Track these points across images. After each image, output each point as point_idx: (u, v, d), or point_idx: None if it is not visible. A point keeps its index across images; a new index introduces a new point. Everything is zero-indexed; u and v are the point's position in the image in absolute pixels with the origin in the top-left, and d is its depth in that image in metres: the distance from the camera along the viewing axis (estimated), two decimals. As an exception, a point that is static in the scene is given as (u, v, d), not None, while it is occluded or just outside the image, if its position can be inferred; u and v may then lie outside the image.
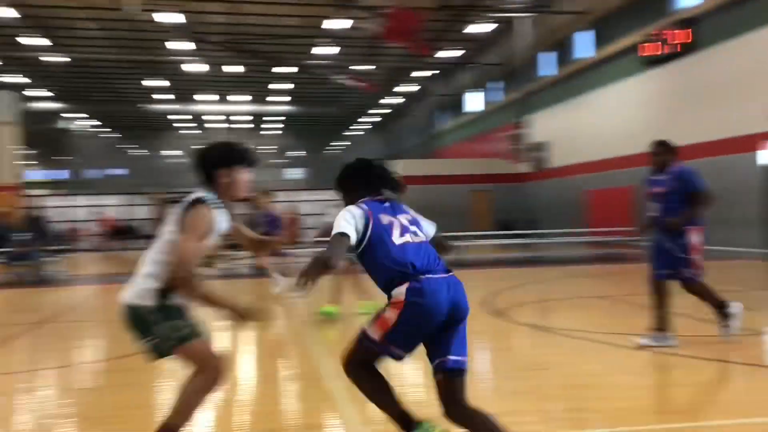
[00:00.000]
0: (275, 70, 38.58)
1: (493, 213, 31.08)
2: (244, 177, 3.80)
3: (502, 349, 7.24)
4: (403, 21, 16.93)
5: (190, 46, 31.82)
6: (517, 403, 5.18)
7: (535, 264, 17.52)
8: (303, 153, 66.41)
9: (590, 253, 19.74)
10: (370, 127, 62.37)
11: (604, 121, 24.36)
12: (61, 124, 49.01)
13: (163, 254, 3.60)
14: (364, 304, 8.92)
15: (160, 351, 3.64)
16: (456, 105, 41.77)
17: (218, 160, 3.76)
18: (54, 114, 46.86)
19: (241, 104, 47.32)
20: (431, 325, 3.41)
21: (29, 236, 15.70)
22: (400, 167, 31.83)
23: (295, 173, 66.97)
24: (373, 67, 34.27)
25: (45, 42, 31.30)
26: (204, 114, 52.58)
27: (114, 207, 31.30)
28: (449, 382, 3.48)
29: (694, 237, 6.55)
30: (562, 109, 27.57)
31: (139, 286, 3.63)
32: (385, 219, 3.55)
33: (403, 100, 49.52)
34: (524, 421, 4.74)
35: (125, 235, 30.44)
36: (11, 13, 26.24)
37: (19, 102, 29.11)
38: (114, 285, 11.58)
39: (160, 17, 26.92)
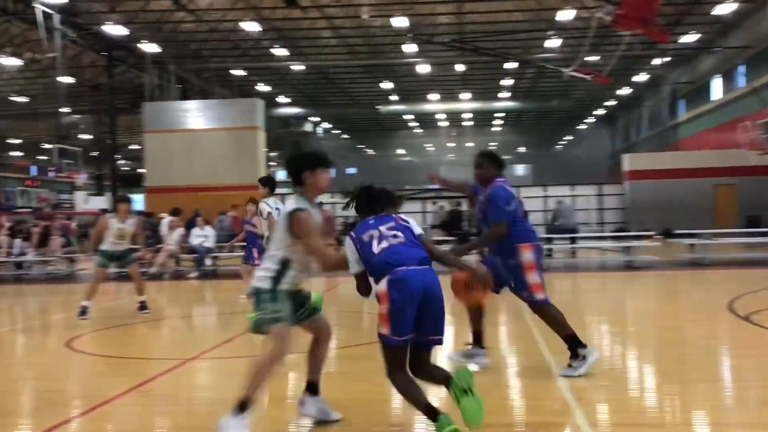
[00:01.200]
0: (502, 66, 38.51)
1: (739, 209, 28.62)
2: (324, 177, 4.57)
3: (747, 356, 6.64)
4: (638, 6, 16.03)
5: (419, 48, 32.73)
6: (766, 416, 4.74)
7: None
8: (529, 149, 65.63)
9: None
10: (598, 120, 60.05)
11: None
12: (299, 128, 52.75)
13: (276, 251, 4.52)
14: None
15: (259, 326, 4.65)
16: (696, 93, 38.91)
17: (304, 164, 4.56)
18: (293, 118, 50.57)
19: (467, 102, 47.78)
20: (413, 304, 4.08)
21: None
22: (629, 161, 30.41)
23: (522, 169, 66.41)
24: (604, 57, 32.96)
25: (286, 52, 33.92)
26: (432, 113, 53.76)
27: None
28: (423, 353, 4.25)
29: (525, 255, 5.76)
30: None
31: (260, 274, 4.57)
32: (366, 236, 4.37)
33: (635, 90, 47.09)
34: (776, 435, 4.33)
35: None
36: (255, 27, 28.78)
37: (265, 108, 31.75)
38: (348, 277, 12.22)
39: (389, 22, 28.01)
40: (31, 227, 18.97)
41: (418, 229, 4.46)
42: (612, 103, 52.67)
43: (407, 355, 4.23)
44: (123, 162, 59.21)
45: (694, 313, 9.82)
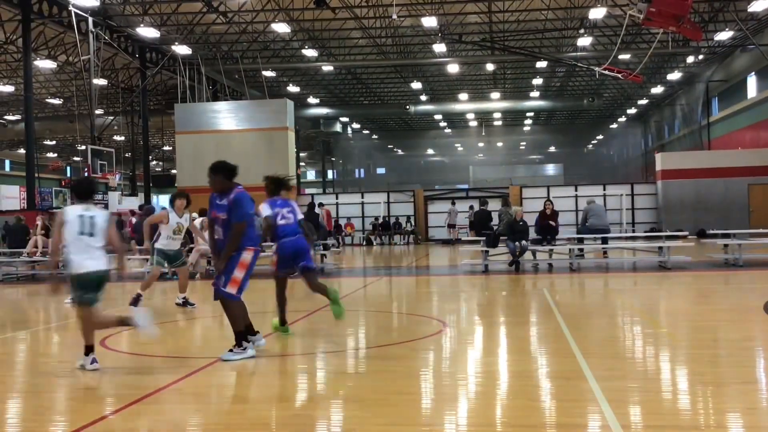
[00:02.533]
0: (532, 65, 38.27)
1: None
2: None
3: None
4: (671, 3, 15.81)
5: (448, 47, 32.65)
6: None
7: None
8: (560, 148, 65.12)
9: None
10: (630, 119, 59.32)
11: None
12: (329, 128, 52.86)
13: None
14: None
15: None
16: (730, 91, 38.30)
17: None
18: (323, 118, 50.67)
19: (497, 101, 47.52)
20: (289, 258, 7.85)
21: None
22: (662, 160, 29.95)
23: (553, 169, 65.90)
24: (637, 55, 32.59)
25: (315, 53, 34.04)
26: (461, 113, 53.50)
27: (376, 204, 32.93)
28: (309, 275, 8.05)
29: (246, 255, 6.86)
30: None
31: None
32: (276, 211, 7.81)
33: (668, 89, 46.46)
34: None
35: (385, 231, 32.05)
36: (285, 28, 28.97)
37: (295, 109, 31.94)
38: (377, 277, 12.24)
39: (419, 21, 28.00)
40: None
41: (299, 216, 7.99)
42: (644, 101, 52.05)
43: (286, 279, 8.09)
44: (155, 163, 59.88)
45: (729, 314, 9.68)
